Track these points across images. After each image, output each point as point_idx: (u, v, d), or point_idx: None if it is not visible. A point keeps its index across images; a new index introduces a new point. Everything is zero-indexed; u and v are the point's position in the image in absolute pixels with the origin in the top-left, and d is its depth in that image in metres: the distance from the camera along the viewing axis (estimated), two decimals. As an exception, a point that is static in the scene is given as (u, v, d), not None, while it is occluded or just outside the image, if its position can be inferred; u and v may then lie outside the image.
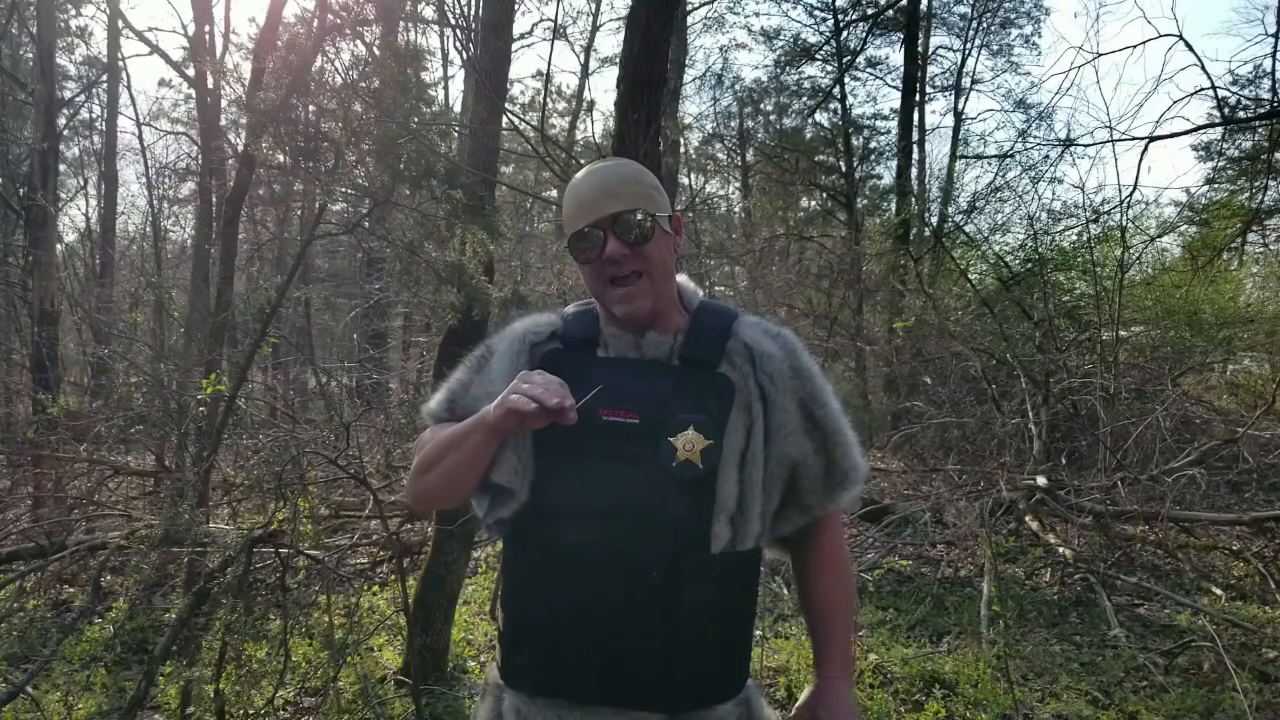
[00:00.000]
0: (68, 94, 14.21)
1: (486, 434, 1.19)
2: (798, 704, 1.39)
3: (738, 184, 19.50)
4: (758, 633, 3.73)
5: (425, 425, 1.41)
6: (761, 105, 18.31)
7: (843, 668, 1.38)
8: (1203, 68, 11.21)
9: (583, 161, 6.75)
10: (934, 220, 12.60)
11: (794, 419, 1.29)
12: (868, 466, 1.39)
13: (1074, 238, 9.97)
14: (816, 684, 1.38)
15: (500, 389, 1.21)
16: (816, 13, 16.31)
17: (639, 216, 1.26)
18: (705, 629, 1.24)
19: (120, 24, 12.71)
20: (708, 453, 1.21)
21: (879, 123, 18.26)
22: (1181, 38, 7.01)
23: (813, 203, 18.95)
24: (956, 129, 17.50)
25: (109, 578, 4.89)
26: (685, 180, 17.24)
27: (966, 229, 11.45)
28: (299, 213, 14.34)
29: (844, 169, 16.01)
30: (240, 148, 7.51)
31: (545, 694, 1.25)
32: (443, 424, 1.34)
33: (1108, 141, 8.09)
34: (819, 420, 1.31)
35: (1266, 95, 8.46)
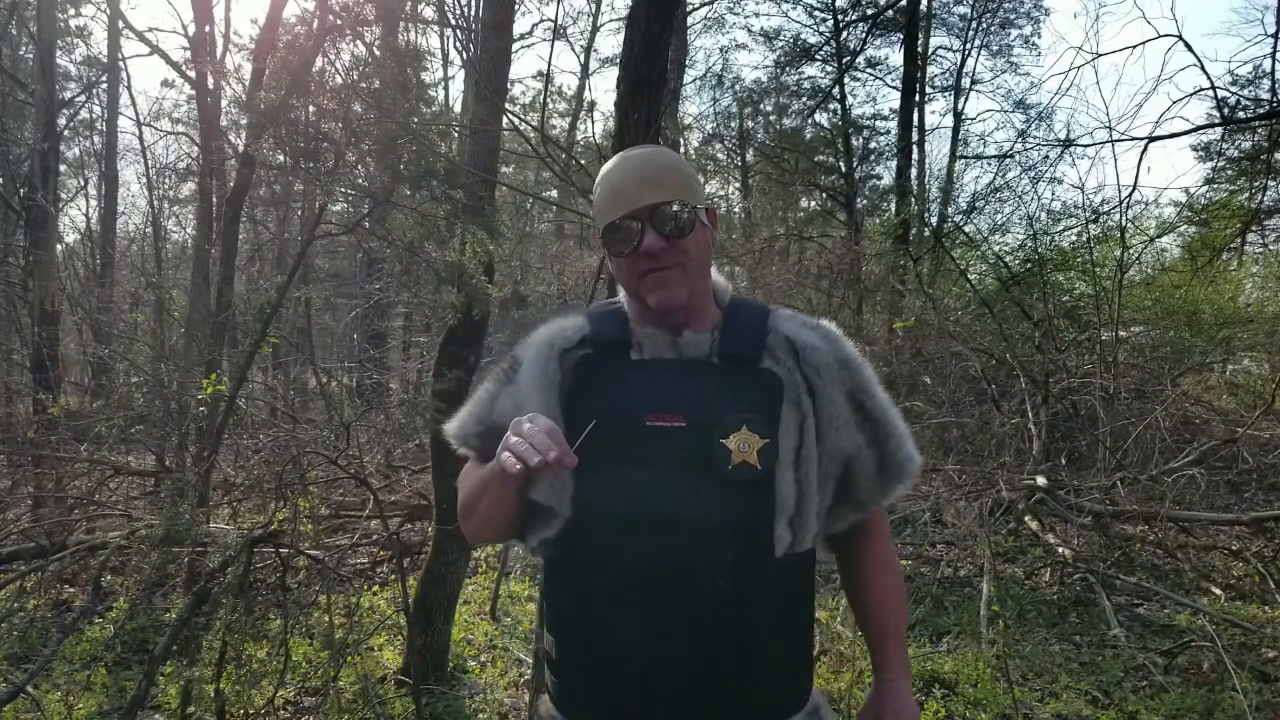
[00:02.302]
0: (68, 94, 14.22)
1: (504, 481, 1.12)
2: (861, 710, 1.35)
3: (738, 184, 19.52)
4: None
5: (453, 432, 1.35)
6: (761, 105, 18.33)
7: (903, 668, 1.33)
8: (1202, 68, 11.20)
9: (583, 162, 6.76)
10: (934, 220, 12.60)
11: (844, 411, 1.24)
12: (921, 458, 1.33)
13: (1074, 238, 9.99)
14: (879, 686, 1.33)
15: (531, 401, 1.18)
16: (816, 13, 16.33)
17: (678, 208, 1.19)
18: (776, 638, 1.19)
19: (120, 24, 12.73)
20: (765, 452, 1.14)
21: (879, 123, 18.31)
22: (1181, 38, 7.01)
23: (813, 203, 18.96)
24: (956, 129, 17.53)
25: (109, 578, 4.89)
26: (685, 180, 17.17)
27: (966, 229, 11.46)
28: (299, 213, 14.34)
29: (844, 169, 16.03)
30: (240, 148, 7.52)
31: None
32: (473, 451, 1.31)
33: (1107, 142, 8.10)
34: (869, 411, 1.26)
35: (1266, 95, 8.46)
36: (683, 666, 1.13)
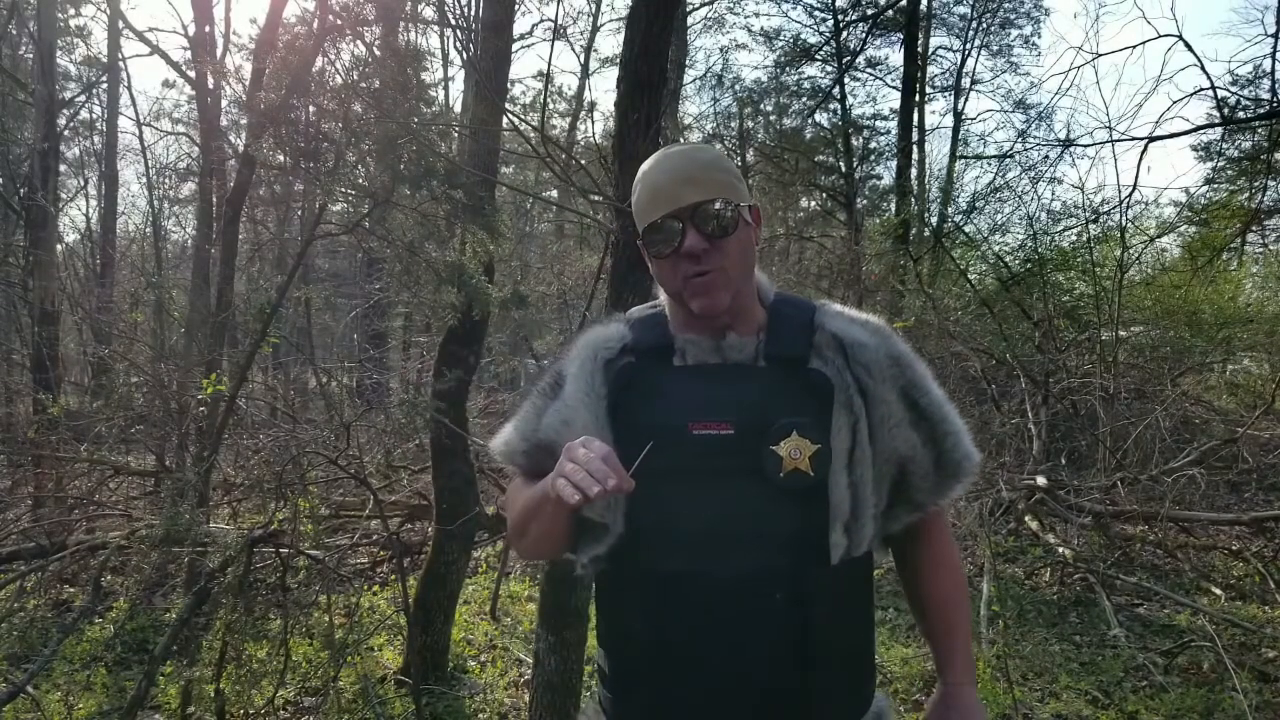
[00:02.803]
0: (68, 94, 14.22)
1: (556, 504, 1.05)
2: (928, 712, 1.30)
3: (738, 184, 19.48)
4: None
5: (499, 449, 1.31)
6: (761, 105, 18.32)
7: (968, 672, 1.27)
8: (1202, 68, 11.23)
9: (583, 162, 6.75)
10: (934, 220, 12.60)
11: (898, 410, 1.19)
12: (980, 455, 1.26)
13: (1074, 238, 9.99)
14: (944, 690, 1.28)
15: (580, 416, 1.16)
16: (816, 13, 16.33)
17: (720, 206, 1.15)
18: (835, 648, 1.15)
19: (120, 24, 12.72)
20: (818, 458, 1.10)
21: (879, 123, 18.29)
22: (1181, 38, 7.02)
23: (813, 203, 18.97)
24: (956, 129, 17.54)
25: (109, 577, 4.89)
26: (685, 180, 17.17)
27: (966, 229, 11.46)
28: (299, 213, 14.34)
29: (844, 169, 16.03)
30: (240, 148, 7.52)
31: None
32: (519, 468, 1.28)
33: (1107, 142, 8.11)
34: (924, 409, 1.21)
35: (1266, 95, 8.46)
36: (744, 680, 1.10)
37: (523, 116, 12.40)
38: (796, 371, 1.16)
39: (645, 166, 1.22)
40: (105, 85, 15.58)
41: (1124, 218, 8.40)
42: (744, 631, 1.10)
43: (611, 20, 20.87)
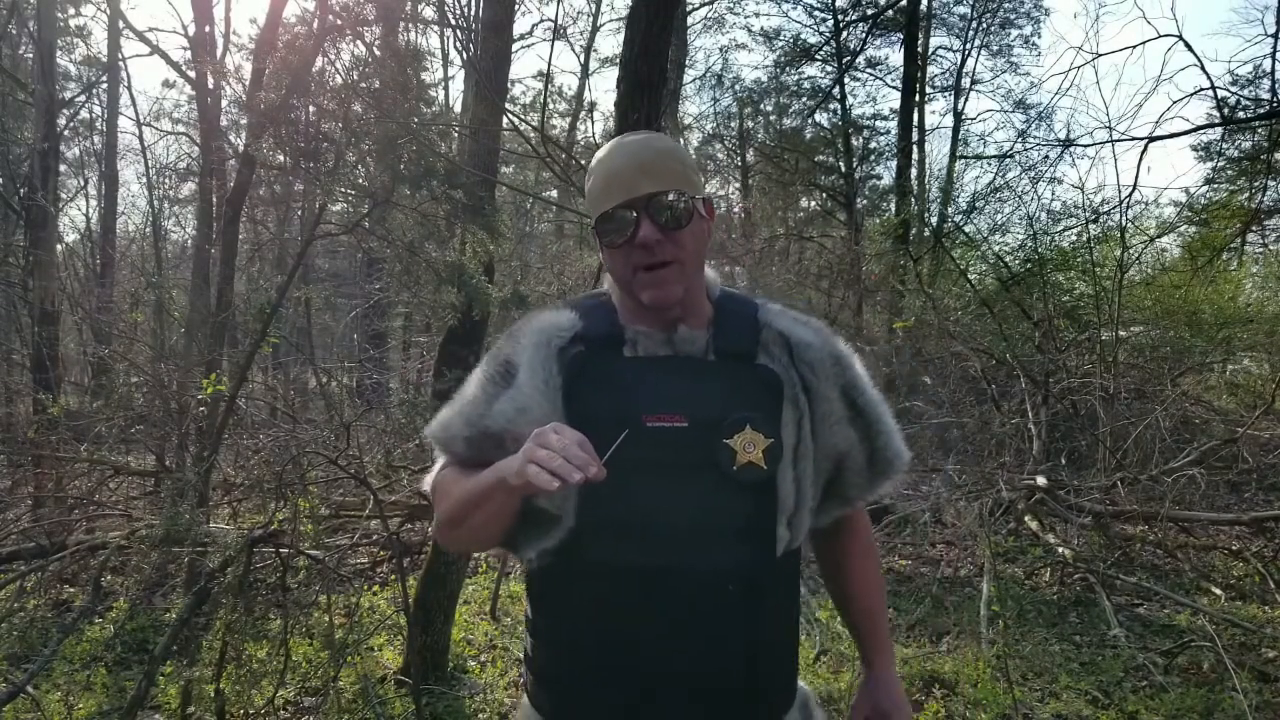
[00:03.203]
0: (68, 94, 14.22)
1: (510, 493, 1.04)
2: (855, 700, 1.35)
3: (738, 184, 19.51)
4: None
5: (434, 447, 1.26)
6: (761, 105, 18.34)
7: (891, 656, 1.35)
8: (1202, 68, 11.22)
9: (583, 162, 6.75)
10: (934, 220, 12.60)
11: (838, 408, 1.22)
12: (909, 454, 1.31)
13: (1074, 238, 10.00)
14: (871, 676, 1.33)
15: (536, 405, 1.12)
16: (816, 13, 16.35)
17: (675, 198, 1.14)
18: (778, 637, 1.20)
19: (120, 24, 12.73)
20: (770, 452, 1.12)
21: (879, 123, 18.30)
22: (1181, 38, 7.03)
23: (813, 203, 18.97)
24: (956, 129, 17.54)
25: (109, 577, 4.89)
26: (685, 180, 17.16)
27: (966, 229, 11.46)
28: (299, 213, 14.34)
29: (844, 169, 16.03)
30: (240, 148, 7.52)
31: None
32: (456, 456, 1.22)
33: (1107, 142, 8.11)
34: (861, 408, 1.24)
35: (1266, 95, 8.47)
36: (692, 671, 1.12)
37: (523, 116, 12.41)
38: (745, 367, 1.18)
39: (600, 154, 1.21)
40: (105, 85, 15.58)
41: (1124, 218, 8.41)
42: (698, 623, 1.11)
43: (611, 20, 20.89)
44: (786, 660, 1.23)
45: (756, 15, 29.05)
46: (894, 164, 15.50)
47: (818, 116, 17.51)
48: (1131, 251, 8.91)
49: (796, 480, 1.17)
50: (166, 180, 18.85)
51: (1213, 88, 7.13)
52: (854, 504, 1.29)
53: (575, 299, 1.28)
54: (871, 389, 1.27)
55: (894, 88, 16.83)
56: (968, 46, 17.81)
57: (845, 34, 15.98)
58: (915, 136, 15.89)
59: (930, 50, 17.71)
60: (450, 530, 1.19)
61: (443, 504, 1.19)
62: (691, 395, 1.14)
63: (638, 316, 1.20)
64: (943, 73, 18.33)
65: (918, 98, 16.11)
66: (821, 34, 16.39)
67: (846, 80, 16.16)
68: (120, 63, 15.20)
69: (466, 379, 1.29)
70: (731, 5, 18.99)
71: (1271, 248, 14.05)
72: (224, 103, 11.23)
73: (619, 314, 1.22)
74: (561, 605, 1.18)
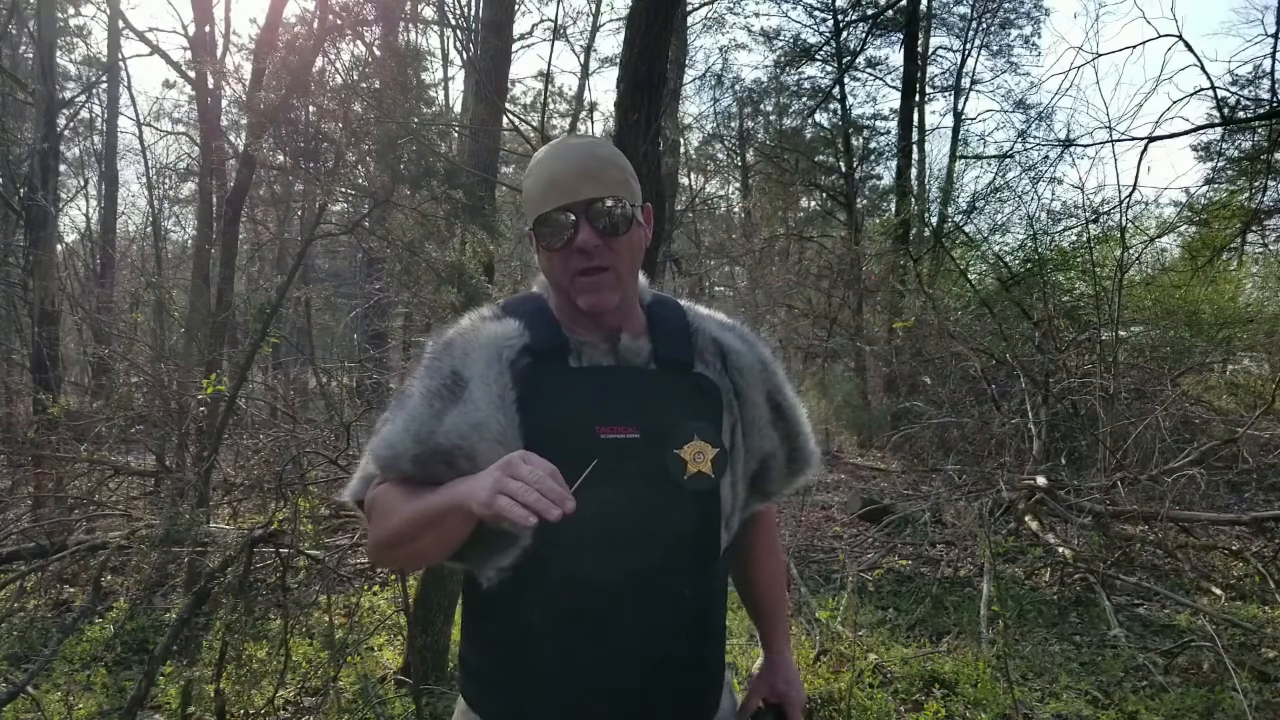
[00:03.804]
0: (68, 94, 14.22)
1: (466, 517, 1.00)
2: (755, 680, 1.41)
3: (738, 184, 19.53)
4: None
5: (382, 454, 1.17)
6: (761, 105, 18.33)
7: (788, 639, 1.44)
8: (1202, 68, 11.24)
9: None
10: (934, 220, 12.61)
11: (764, 412, 1.26)
12: (819, 451, 1.37)
13: (1074, 238, 10.00)
14: (771, 659, 1.41)
15: (493, 420, 1.09)
16: (816, 13, 16.33)
17: (614, 204, 1.15)
18: (720, 634, 1.26)
19: (120, 24, 12.72)
20: (718, 460, 1.16)
21: (879, 123, 18.29)
22: (1181, 38, 7.04)
23: (813, 203, 18.96)
24: (956, 129, 17.54)
25: (109, 578, 4.89)
26: (685, 180, 17.25)
27: (966, 229, 11.47)
28: (299, 213, 14.35)
29: (844, 169, 16.01)
30: (241, 148, 7.52)
31: None
32: (403, 475, 1.15)
33: (1107, 142, 8.10)
34: (784, 410, 1.29)
35: (1266, 95, 8.48)
36: (650, 674, 1.15)
37: (523, 116, 12.41)
38: (685, 376, 1.21)
39: (540, 155, 1.21)
40: (105, 85, 15.59)
41: (1124, 218, 8.41)
42: (654, 627, 1.14)
43: (611, 20, 20.91)
44: (722, 650, 1.30)
45: (756, 15, 29.15)
46: (894, 164, 15.50)
47: (818, 116, 17.51)
48: (1131, 251, 8.91)
49: (733, 485, 1.22)
50: (166, 180, 18.88)
51: (1213, 88, 7.14)
52: (773, 500, 1.35)
53: (510, 302, 1.27)
54: (791, 392, 1.32)
55: (894, 88, 16.84)
56: (968, 46, 17.83)
57: (845, 34, 15.98)
58: (915, 136, 15.89)
59: (930, 50, 17.71)
60: (390, 551, 1.15)
61: (383, 523, 1.14)
62: (641, 406, 1.16)
63: (577, 323, 1.21)
64: (943, 73, 18.35)
65: (918, 98, 16.11)
66: (821, 34, 16.39)
67: (846, 80, 16.15)
68: (120, 63, 15.21)
69: (398, 395, 1.24)
70: (731, 5, 19.00)
71: (1271, 248, 14.05)
72: (224, 103, 11.24)
73: (560, 321, 1.21)
74: (517, 615, 1.17)
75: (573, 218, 1.14)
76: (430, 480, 1.10)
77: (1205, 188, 12.79)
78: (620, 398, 1.16)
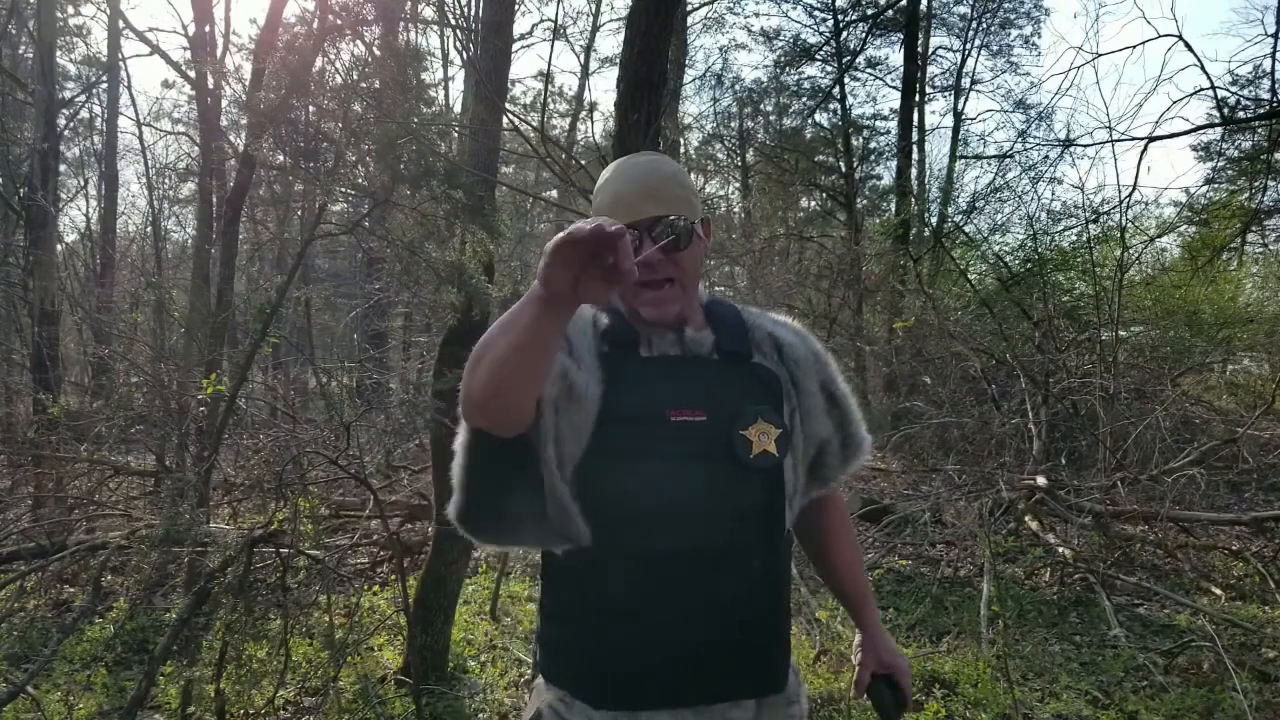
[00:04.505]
0: (68, 94, 14.22)
1: (538, 306, 0.98)
2: (862, 655, 1.45)
3: (738, 184, 19.50)
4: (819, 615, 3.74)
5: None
6: (761, 105, 18.32)
7: (877, 615, 1.50)
8: (1202, 68, 11.25)
9: (583, 162, 6.75)
10: (934, 220, 12.60)
11: (819, 401, 1.36)
12: (870, 438, 1.46)
13: (1074, 238, 10.01)
14: (868, 633, 1.46)
15: (588, 355, 1.21)
16: (816, 13, 16.32)
17: (677, 221, 1.24)
18: (787, 608, 1.34)
19: (120, 24, 12.73)
20: (780, 440, 1.24)
21: (879, 123, 18.28)
22: (1181, 38, 7.04)
23: (813, 203, 18.95)
24: (956, 129, 17.54)
25: (109, 577, 4.89)
26: (685, 180, 17.15)
27: (966, 229, 11.48)
28: (299, 213, 14.35)
29: (844, 169, 16.00)
30: (240, 148, 7.51)
31: (656, 706, 1.22)
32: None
33: (1107, 141, 8.10)
34: (838, 399, 1.38)
35: (1266, 95, 8.48)
36: (726, 644, 1.22)
37: (523, 116, 12.40)
38: (745, 365, 1.30)
39: (607, 174, 1.31)
40: (105, 85, 15.58)
41: (1124, 218, 8.40)
42: (727, 598, 1.22)
43: (611, 20, 20.90)
44: (788, 625, 1.38)
45: (756, 15, 29.13)
46: (894, 164, 15.48)
47: (818, 116, 17.49)
48: (1131, 251, 8.91)
49: (794, 467, 1.31)
50: (166, 180, 18.87)
51: (1213, 88, 7.15)
52: (830, 484, 1.43)
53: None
54: (843, 382, 1.42)
55: (894, 88, 16.82)
56: (968, 46, 17.82)
57: (845, 34, 15.97)
58: (915, 136, 15.88)
59: (930, 50, 17.70)
60: (471, 370, 1.11)
61: (469, 366, 1.13)
62: (707, 392, 1.25)
63: (634, 319, 1.30)
64: (943, 73, 18.34)
65: (918, 98, 16.09)
66: (821, 34, 16.37)
67: (846, 80, 16.14)
68: (120, 62, 15.21)
69: None
70: (731, 5, 19.00)
71: (1271, 248, 14.05)
72: (224, 103, 11.22)
73: (627, 317, 1.31)
74: (597, 587, 1.23)
75: (636, 234, 1.21)
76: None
77: (1205, 188, 12.79)
78: (688, 384, 1.25)
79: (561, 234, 0.91)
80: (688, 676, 1.21)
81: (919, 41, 15.71)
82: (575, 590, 1.27)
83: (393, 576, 5.13)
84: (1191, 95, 7.67)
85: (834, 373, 1.40)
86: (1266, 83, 8.58)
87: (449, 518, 1.30)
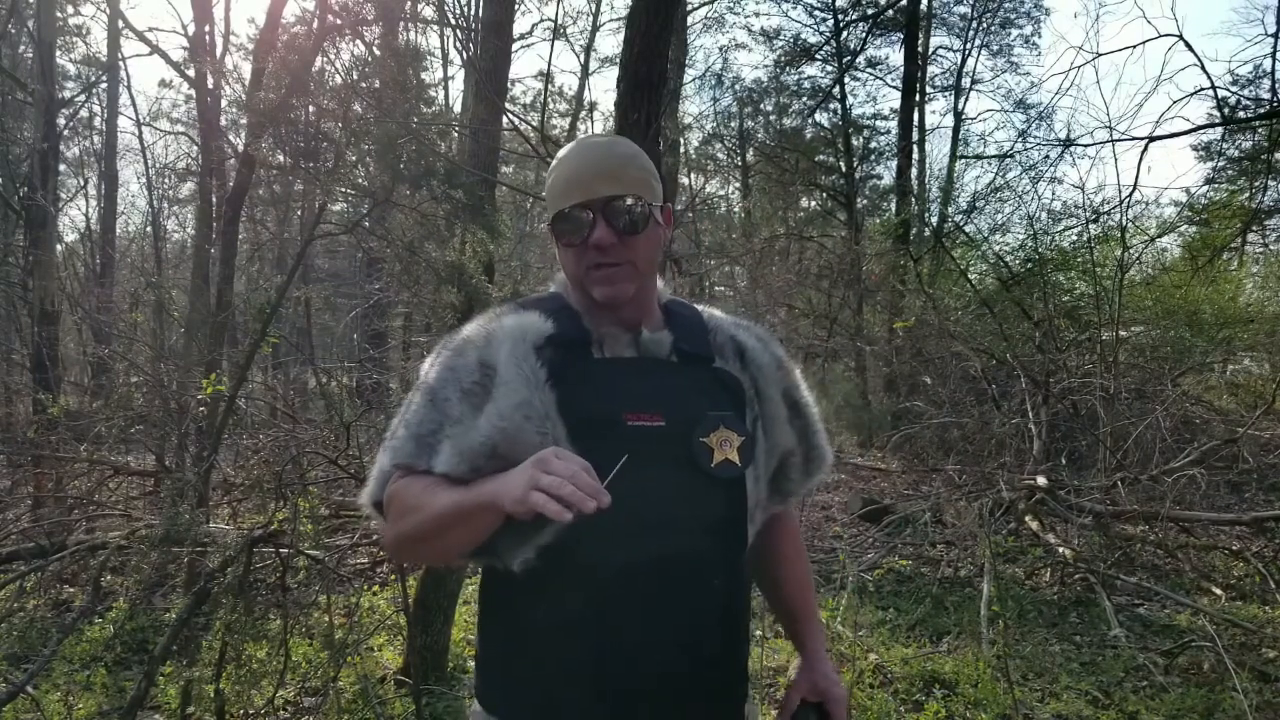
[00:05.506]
0: (68, 94, 14.21)
1: (498, 515, 1.01)
2: (795, 678, 1.37)
3: (738, 184, 19.51)
4: (757, 633, 3.74)
5: (386, 464, 1.17)
6: (761, 105, 18.30)
7: (822, 638, 1.41)
8: (1203, 68, 11.26)
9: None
10: (934, 220, 12.61)
11: (782, 410, 1.27)
12: (832, 451, 1.38)
13: (1074, 238, 10.01)
14: (807, 657, 1.38)
15: (534, 400, 1.09)
16: (816, 13, 16.32)
17: (632, 203, 1.16)
18: (747, 625, 1.26)
19: (120, 24, 12.73)
20: (743, 449, 1.16)
21: (879, 123, 18.27)
22: (1181, 38, 7.03)
23: (813, 203, 18.96)
24: (956, 129, 17.53)
25: (109, 578, 4.89)
26: (685, 180, 17.23)
27: (966, 229, 11.48)
28: (299, 213, 14.35)
29: (844, 169, 16.00)
30: (240, 148, 7.51)
31: None
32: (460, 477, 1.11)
33: (1108, 141, 8.10)
34: (800, 408, 1.31)
35: (1266, 95, 8.48)
36: (686, 662, 1.14)
37: (523, 116, 12.40)
38: (706, 369, 1.22)
39: (562, 153, 1.23)
40: (105, 85, 15.58)
41: (1124, 218, 8.40)
42: (687, 613, 1.14)
43: (611, 20, 20.90)
44: (748, 646, 1.30)
45: (756, 15, 29.17)
46: (894, 164, 15.48)
47: (818, 116, 17.49)
48: (1131, 251, 8.91)
49: (756, 479, 1.22)
50: (166, 180, 18.87)
51: (1213, 88, 7.14)
52: (789, 500, 1.34)
53: (528, 300, 1.27)
54: (807, 391, 1.33)
55: (894, 88, 16.82)
56: (968, 46, 17.82)
57: (845, 34, 15.96)
58: (915, 136, 15.88)
59: (930, 50, 17.69)
60: (414, 546, 1.15)
61: (407, 519, 1.11)
62: (666, 395, 1.17)
63: (598, 317, 1.21)
64: (943, 73, 18.33)
65: (918, 98, 16.09)
66: (821, 34, 16.37)
67: (846, 80, 16.13)
68: (120, 62, 15.22)
69: (410, 404, 1.21)
70: (731, 5, 19.02)
71: (1271, 248, 14.06)
72: (224, 103, 11.22)
73: (581, 315, 1.22)
74: (548, 605, 1.15)
75: (590, 215, 1.15)
76: (471, 476, 1.08)
77: (1205, 188, 12.80)
78: (645, 387, 1.17)
79: (540, 502, 0.92)
80: (641, 700, 1.13)
81: (919, 41, 15.71)
82: (522, 607, 1.17)
83: (392, 576, 5.12)
84: (1192, 95, 7.69)
85: (797, 380, 1.32)
86: (1266, 82, 8.58)
87: (359, 503, 1.21)
